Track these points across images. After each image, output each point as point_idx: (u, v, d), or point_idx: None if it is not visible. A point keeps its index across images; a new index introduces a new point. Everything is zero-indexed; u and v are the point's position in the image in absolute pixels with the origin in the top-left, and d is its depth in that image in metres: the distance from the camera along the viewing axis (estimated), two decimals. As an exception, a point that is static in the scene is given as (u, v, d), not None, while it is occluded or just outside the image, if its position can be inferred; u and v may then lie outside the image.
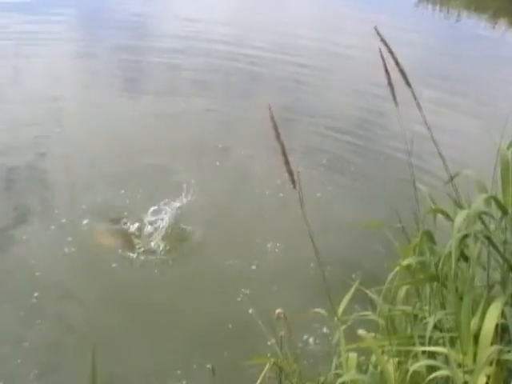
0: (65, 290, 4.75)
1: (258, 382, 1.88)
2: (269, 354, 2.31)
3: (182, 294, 4.86)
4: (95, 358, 1.77)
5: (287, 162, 1.69)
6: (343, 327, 2.39)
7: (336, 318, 2.43)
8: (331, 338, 3.18)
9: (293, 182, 1.69)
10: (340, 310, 2.51)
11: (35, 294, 4.63)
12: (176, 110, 8.72)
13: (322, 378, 2.56)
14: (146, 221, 5.59)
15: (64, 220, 5.64)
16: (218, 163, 7.10)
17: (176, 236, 5.52)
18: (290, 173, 1.70)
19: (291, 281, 5.08)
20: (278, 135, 1.70)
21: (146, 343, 4.26)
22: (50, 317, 4.47)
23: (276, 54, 11.69)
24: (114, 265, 5.11)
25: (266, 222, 6.05)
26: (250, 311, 4.48)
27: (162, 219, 5.52)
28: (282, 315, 2.30)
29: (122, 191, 6.13)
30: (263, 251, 5.50)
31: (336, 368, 2.51)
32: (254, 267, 5.22)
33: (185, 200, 5.51)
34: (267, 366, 1.92)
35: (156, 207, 5.61)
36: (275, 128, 1.69)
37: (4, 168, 6.47)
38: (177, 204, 5.54)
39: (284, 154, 1.69)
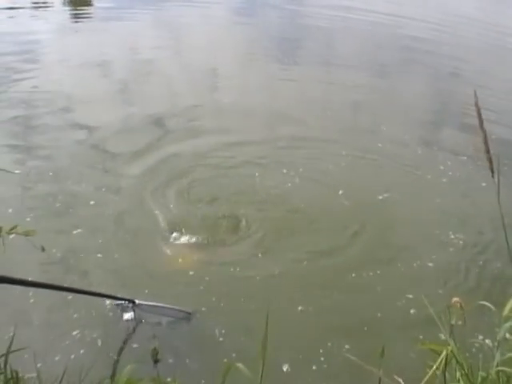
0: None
1: (434, 367, 1.88)
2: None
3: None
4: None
5: (488, 150, 1.67)
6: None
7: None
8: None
9: (492, 170, 1.67)
10: (508, 306, 2.40)
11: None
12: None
13: (483, 373, 2.48)
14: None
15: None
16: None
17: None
18: (490, 160, 1.68)
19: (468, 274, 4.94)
20: (481, 123, 1.68)
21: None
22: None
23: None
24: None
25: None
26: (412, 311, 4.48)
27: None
28: (459, 304, 2.27)
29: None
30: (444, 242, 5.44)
31: (497, 365, 2.42)
32: (431, 264, 5.14)
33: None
34: (443, 354, 1.92)
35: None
36: (479, 115, 1.68)
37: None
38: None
39: (486, 142, 1.67)
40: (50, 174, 6.11)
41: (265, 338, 1.98)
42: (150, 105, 8.11)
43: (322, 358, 4.06)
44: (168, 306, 4.26)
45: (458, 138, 7.71)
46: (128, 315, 4.18)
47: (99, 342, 4.11)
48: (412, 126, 8.16)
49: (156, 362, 3.54)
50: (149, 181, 6.13)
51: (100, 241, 5.10)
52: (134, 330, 4.21)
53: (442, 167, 6.90)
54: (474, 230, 5.63)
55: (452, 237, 5.50)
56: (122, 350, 4.08)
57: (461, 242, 5.43)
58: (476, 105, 1.69)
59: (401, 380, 2.13)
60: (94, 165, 6.39)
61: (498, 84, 10.09)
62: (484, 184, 6.22)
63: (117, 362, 3.94)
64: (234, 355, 3.95)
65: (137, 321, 4.22)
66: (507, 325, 2.75)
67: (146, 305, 4.16)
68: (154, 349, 3.58)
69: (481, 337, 3.82)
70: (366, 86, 9.45)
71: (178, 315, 4.31)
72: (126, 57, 10.38)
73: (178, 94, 8.77)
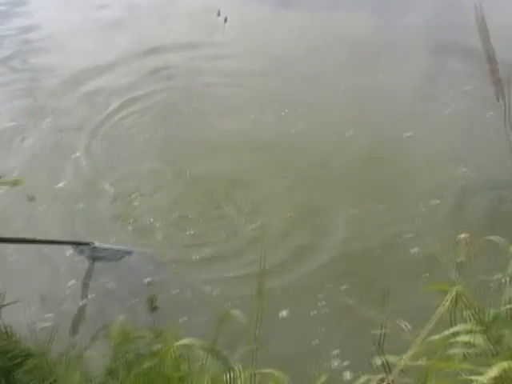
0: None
1: (441, 308, 1.76)
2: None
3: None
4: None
5: (493, 71, 1.48)
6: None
7: None
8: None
9: (497, 93, 1.48)
10: None
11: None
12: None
13: (492, 311, 2.37)
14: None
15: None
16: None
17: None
18: (497, 83, 1.48)
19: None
20: (487, 39, 1.48)
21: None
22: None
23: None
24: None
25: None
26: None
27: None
28: (465, 241, 2.14)
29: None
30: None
31: (506, 303, 2.32)
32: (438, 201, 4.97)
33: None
34: (449, 294, 1.79)
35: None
36: (484, 30, 1.47)
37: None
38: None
39: (491, 61, 1.47)
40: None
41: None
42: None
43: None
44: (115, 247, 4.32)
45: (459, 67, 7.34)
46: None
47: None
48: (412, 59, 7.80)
49: (154, 309, 3.46)
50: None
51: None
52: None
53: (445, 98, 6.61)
54: (481, 163, 5.40)
55: (463, 170, 5.30)
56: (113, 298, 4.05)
57: (472, 176, 5.22)
58: (479, 19, 1.48)
59: (406, 323, 2.01)
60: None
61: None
62: (492, 113, 5.97)
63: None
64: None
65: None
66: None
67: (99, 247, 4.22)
68: (153, 296, 3.50)
69: (491, 274, 3.70)
70: (362, 22, 9.00)
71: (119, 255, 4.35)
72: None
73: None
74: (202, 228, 4.72)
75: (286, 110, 6.31)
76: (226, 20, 6.74)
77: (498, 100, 1.45)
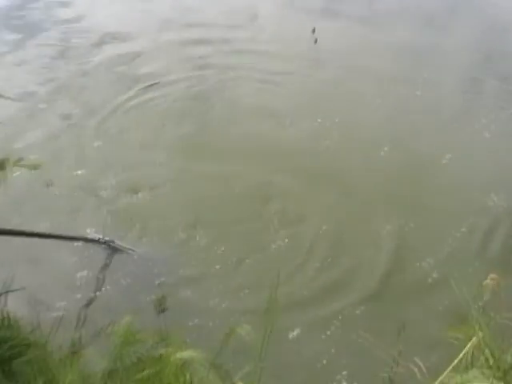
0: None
1: (461, 356, 1.63)
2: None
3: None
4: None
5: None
6: None
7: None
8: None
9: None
10: None
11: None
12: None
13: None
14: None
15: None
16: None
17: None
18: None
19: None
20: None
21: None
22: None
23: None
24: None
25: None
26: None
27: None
28: (496, 281, 2.00)
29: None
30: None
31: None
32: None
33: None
34: (474, 339, 1.66)
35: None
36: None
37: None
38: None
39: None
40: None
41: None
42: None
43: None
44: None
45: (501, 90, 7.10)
46: None
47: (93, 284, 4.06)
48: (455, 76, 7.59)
49: (162, 311, 3.34)
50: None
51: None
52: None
53: (484, 120, 6.39)
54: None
55: (494, 200, 5.10)
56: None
57: (503, 206, 5.02)
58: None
59: (421, 364, 1.88)
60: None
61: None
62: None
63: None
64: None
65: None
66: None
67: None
68: (162, 297, 3.38)
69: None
70: (409, 36, 8.80)
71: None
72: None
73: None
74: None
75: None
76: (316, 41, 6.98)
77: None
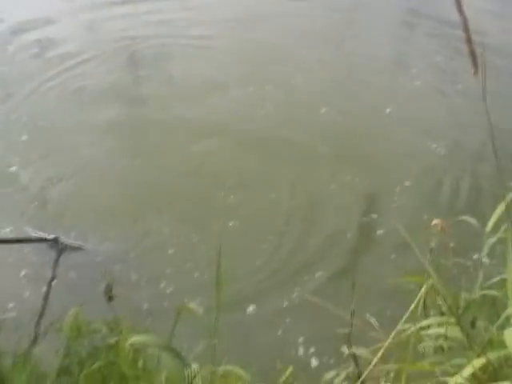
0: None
1: (413, 306, 1.61)
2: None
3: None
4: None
5: (469, 40, 1.30)
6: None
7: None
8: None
9: (475, 66, 1.31)
10: (490, 223, 2.12)
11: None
12: None
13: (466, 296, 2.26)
14: None
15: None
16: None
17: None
18: (473, 54, 1.31)
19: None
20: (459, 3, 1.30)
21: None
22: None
23: None
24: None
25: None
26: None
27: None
28: (440, 227, 1.99)
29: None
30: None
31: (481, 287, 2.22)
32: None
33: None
34: (423, 288, 1.64)
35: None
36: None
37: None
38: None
39: (466, 30, 1.30)
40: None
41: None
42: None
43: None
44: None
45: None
46: None
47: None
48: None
49: (110, 299, 3.26)
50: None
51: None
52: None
53: (414, 70, 6.45)
54: (454, 138, 5.27)
55: (433, 146, 5.15)
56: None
57: (442, 152, 5.09)
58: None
59: (373, 320, 1.86)
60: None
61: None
62: (459, 86, 5.87)
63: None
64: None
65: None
66: (490, 241, 2.51)
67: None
68: (108, 285, 3.30)
69: (468, 255, 3.59)
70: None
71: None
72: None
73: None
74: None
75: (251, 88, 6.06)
76: None
77: (475, 73, 1.27)
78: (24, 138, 5.28)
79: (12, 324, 3.23)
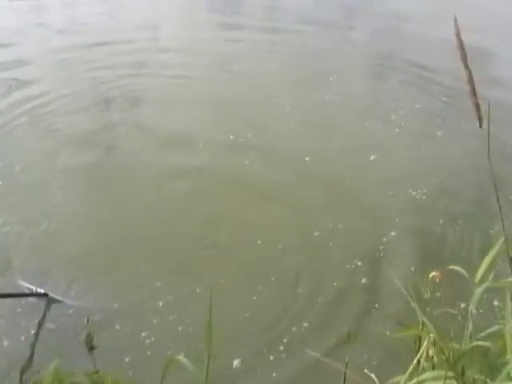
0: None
1: (415, 361, 1.57)
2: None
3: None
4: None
5: (474, 92, 1.31)
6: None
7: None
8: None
9: (479, 118, 1.31)
10: (480, 272, 2.10)
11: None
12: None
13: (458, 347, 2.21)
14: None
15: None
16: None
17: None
18: (477, 107, 1.31)
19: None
20: (464, 57, 1.31)
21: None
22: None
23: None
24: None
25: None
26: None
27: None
28: (437, 279, 1.96)
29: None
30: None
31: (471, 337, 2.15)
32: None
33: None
34: (426, 342, 1.60)
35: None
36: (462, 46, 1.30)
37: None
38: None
39: (471, 82, 1.30)
40: None
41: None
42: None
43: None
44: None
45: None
46: None
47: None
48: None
49: (91, 349, 3.16)
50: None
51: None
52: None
53: (393, 117, 6.56)
54: (437, 186, 5.30)
55: (414, 194, 5.17)
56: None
57: (424, 200, 5.11)
58: (457, 34, 1.31)
59: (373, 375, 1.80)
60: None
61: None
62: (439, 133, 5.98)
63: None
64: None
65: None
66: (479, 290, 2.48)
67: None
68: (89, 334, 3.19)
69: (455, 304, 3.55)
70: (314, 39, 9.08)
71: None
72: None
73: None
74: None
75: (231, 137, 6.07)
76: None
77: (480, 126, 1.26)
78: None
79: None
